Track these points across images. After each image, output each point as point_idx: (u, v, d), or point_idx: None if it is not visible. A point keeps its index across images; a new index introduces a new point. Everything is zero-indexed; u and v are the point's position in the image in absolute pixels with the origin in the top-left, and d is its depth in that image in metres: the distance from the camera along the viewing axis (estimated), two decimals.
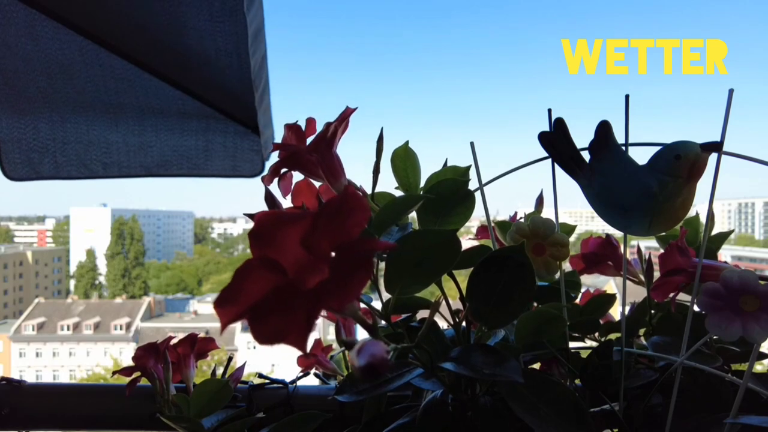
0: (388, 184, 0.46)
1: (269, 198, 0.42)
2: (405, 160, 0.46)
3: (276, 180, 0.44)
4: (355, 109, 0.42)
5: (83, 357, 30.97)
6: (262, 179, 0.43)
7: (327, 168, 0.42)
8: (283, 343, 0.21)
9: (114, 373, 0.55)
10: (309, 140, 0.44)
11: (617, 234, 0.43)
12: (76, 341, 31.23)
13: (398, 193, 0.47)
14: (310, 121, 0.45)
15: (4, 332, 31.43)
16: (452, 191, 0.42)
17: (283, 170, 0.44)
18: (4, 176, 1.14)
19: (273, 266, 0.24)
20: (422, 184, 0.46)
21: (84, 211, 64.03)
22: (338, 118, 0.42)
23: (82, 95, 1.11)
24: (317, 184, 0.47)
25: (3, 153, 1.12)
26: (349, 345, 0.28)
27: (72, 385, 0.60)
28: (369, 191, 0.45)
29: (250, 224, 0.26)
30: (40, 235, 74.13)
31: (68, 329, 31.13)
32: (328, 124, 0.41)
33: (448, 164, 0.46)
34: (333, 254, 0.23)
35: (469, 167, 0.45)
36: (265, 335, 0.21)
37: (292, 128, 0.44)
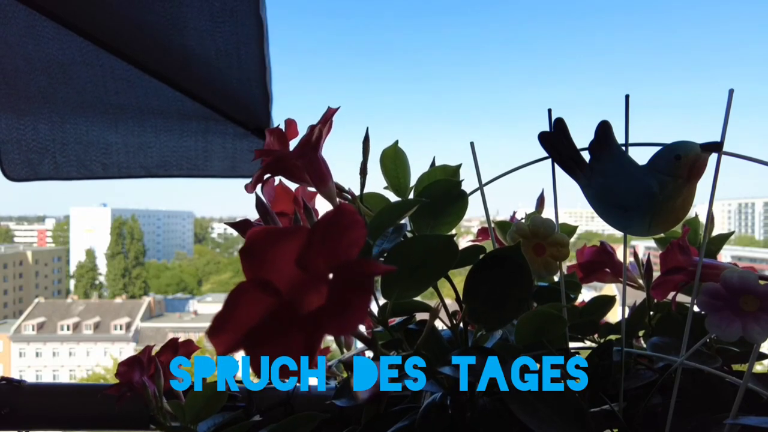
0: (377, 184, 0.45)
1: (261, 206, 0.40)
2: (395, 161, 0.45)
3: (259, 187, 0.42)
4: (337, 109, 0.41)
5: (83, 357, 30.97)
6: (246, 187, 0.41)
7: (314, 172, 0.40)
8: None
9: (100, 395, 0.54)
10: (291, 143, 0.42)
11: (615, 235, 0.43)
12: (76, 341, 31.24)
13: (387, 194, 0.46)
14: (290, 123, 0.43)
15: (4, 332, 31.44)
16: (445, 192, 0.42)
17: (266, 176, 0.42)
18: (4, 177, 1.14)
19: (267, 287, 0.22)
20: (412, 183, 0.45)
21: (84, 211, 64.02)
22: (321, 119, 0.40)
23: (81, 96, 1.11)
24: (292, 186, 0.45)
25: (2, 154, 1.12)
26: (349, 366, 0.27)
27: (72, 385, 0.60)
28: (357, 192, 0.44)
29: None
30: (40, 235, 74.12)
31: (68, 329, 31.14)
32: (312, 127, 0.40)
33: (437, 163, 0.45)
34: (331, 275, 0.22)
35: (458, 166, 0.44)
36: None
37: (274, 133, 0.42)
